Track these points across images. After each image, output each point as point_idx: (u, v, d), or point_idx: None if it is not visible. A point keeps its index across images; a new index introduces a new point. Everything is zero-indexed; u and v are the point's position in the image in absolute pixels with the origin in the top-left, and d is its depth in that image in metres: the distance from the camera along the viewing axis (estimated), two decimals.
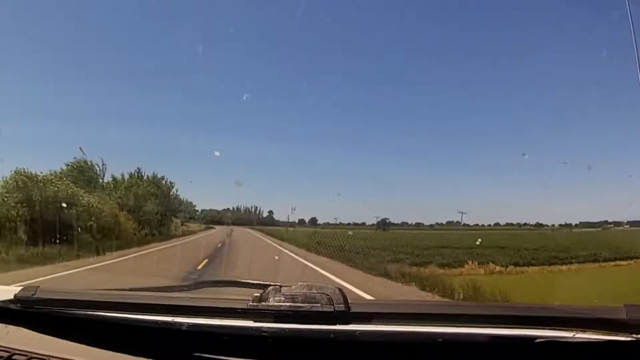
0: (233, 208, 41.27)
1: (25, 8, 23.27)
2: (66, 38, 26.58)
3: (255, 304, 1.12)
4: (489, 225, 26.77)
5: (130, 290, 1.64)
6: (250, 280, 1.49)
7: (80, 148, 18.62)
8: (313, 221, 30.51)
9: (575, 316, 1.11)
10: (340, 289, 1.13)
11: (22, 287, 1.40)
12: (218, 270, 10.46)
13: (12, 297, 1.32)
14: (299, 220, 31.65)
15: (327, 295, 1.10)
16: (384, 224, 27.63)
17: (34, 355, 1.14)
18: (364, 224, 28.31)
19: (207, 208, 40.91)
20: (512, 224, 25.52)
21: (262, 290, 1.16)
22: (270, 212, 38.12)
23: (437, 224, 27.33)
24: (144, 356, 1.13)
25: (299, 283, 1.16)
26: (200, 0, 24.89)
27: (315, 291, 1.11)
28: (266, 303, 1.12)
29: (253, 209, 40.27)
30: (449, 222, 26.70)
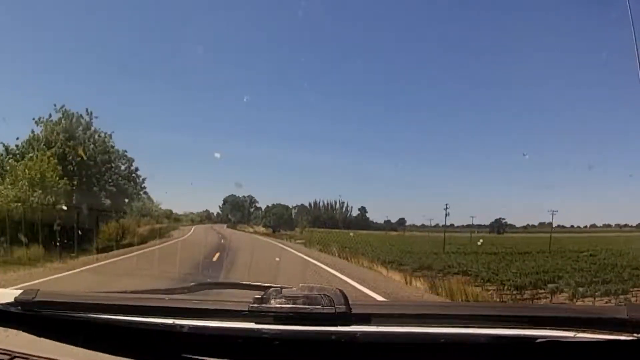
0: (310, 204, 29.10)
1: (26, 8, 23.32)
2: (66, 39, 26.62)
3: (256, 305, 1.12)
4: (585, 227, 24.63)
5: (131, 292, 1.64)
6: (251, 282, 1.49)
7: None
8: (401, 222, 25.02)
9: (577, 316, 1.11)
10: (341, 290, 1.13)
11: (22, 290, 1.39)
12: None
13: (12, 300, 1.32)
14: (385, 221, 25.39)
15: (328, 296, 1.10)
16: (499, 226, 23.16)
17: (34, 358, 1.14)
18: (452, 225, 24.64)
19: (271, 204, 29.02)
20: (609, 225, 23.87)
21: (263, 292, 1.15)
22: (362, 209, 27.34)
23: (529, 225, 24.67)
24: (144, 359, 1.13)
25: (300, 285, 1.16)
26: (201, 2, 24.97)
27: (316, 292, 1.11)
28: (267, 305, 1.12)
29: (338, 205, 28.86)
30: (541, 224, 24.49)
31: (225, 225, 32.57)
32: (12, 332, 1.28)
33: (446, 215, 23.39)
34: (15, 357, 1.14)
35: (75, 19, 26.46)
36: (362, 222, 26.06)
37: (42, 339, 1.23)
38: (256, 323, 1.11)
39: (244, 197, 31.99)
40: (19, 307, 1.30)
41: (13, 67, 24.17)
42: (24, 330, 1.28)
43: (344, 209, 28.81)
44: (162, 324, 1.15)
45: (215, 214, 34.93)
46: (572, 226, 24.94)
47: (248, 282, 1.48)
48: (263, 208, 30.23)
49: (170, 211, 32.07)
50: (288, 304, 1.11)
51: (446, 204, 22.77)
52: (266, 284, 1.28)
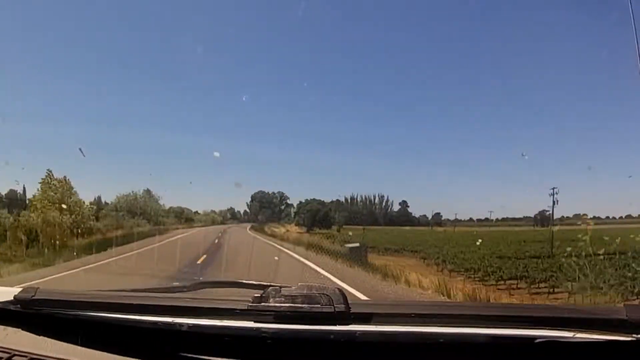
0: (346, 199, 25.98)
1: (25, 9, 23.33)
2: (66, 40, 26.64)
3: (255, 304, 1.12)
4: (620, 217, 19.90)
5: (130, 291, 1.64)
6: (251, 281, 1.49)
7: (80, 149, 18.21)
8: (438, 216, 22.74)
9: (575, 316, 1.11)
10: (340, 290, 1.13)
11: (21, 288, 1.39)
12: None
13: (11, 298, 1.32)
14: (420, 216, 23.22)
15: (327, 295, 1.10)
16: (542, 218, 19.82)
17: (33, 356, 1.14)
18: (486, 219, 21.71)
19: (305, 199, 25.48)
20: None
21: (262, 291, 1.15)
22: (403, 203, 24.43)
23: (564, 217, 20.48)
24: (143, 357, 1.13)
25: (299, 284, 1.16)
26: (201, 2, 24.98)
27: (315, 292, 1.11)
28: (266, 304, 1.12)
29: (377, 200, 25.74)
30: (575, 215, 20.31)
31: (248, 226, 28.17)
32: (12, 331, 1.28)
33: (553, 204, 17.72)
34: (14, 355, 1.15)
35: (75, 19, 26.43)
36: (403, 217, 23.51)
37: (41, 337, 1.23)
38: (255, 322, 1.11)
39: (273, 193, 28.90)
40: (19, 305, 1.30)
41: (13, 67, 24.13)
42: (23, 329, 1.28)
43: (383, 203, 25.60)
44: (161, 322, 1.15)
45: (242, 212, 31.99)
46: (607, 217, 22.44)
47: (247, 281, 1.48)
48: (295, 205, 26.54)
49: (181, 209, 28.54)
50: (287, 302, 1.11)
51: (553, 188, 17.56)
52: (265, 283, 1.28)
